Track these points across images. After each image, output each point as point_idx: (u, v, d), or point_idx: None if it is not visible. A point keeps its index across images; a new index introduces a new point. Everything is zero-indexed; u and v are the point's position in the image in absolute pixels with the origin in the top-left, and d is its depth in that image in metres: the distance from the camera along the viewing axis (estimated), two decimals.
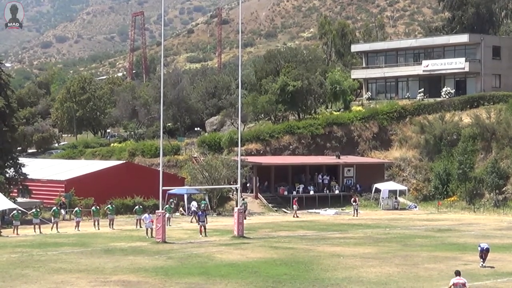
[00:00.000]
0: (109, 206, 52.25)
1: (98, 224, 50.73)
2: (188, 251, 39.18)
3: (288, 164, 69.61)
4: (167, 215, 49.75)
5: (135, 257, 37.09)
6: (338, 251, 39.22)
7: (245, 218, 53.38)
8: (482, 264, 33.66)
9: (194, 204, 57.58)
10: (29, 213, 51.67)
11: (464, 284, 24.13)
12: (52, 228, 49.03)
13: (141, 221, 49.29)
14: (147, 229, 46.00)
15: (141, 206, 52.80)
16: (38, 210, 50.94)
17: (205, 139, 76.27)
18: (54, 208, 51.17)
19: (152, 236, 44.82)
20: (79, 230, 49.57)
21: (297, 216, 59.47)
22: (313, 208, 64.87)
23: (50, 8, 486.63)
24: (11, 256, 37.40)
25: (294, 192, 66.55)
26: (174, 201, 59.48)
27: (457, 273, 24.82)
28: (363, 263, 35.02)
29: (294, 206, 60.63)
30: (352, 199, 63.04)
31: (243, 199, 56.86)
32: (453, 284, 24.27)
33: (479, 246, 34.09)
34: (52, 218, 49.87)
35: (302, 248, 40.79)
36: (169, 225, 50.73)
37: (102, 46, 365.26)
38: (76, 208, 51.85)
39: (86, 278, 30.94)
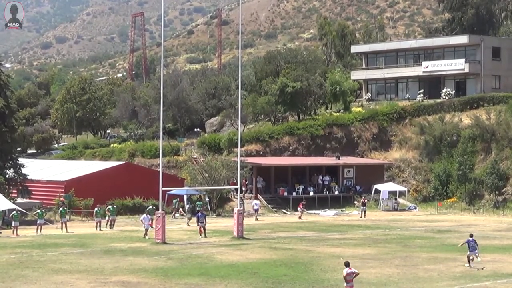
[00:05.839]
0: (110, 207, 52.24)
1: (100, 225, 50.80)
2: (188, 252, 39.17)
3: (288, 165, 69.59)
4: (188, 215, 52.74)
5: (135, 257, 37.08)
6: (337, 252, 39.22)
7: (256, 219, 57.44)
8: (470, 266, 33.68)
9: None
10: (33, 213, 51.66)
11: (354, 273, 25.80)
12: (62, 228, 49.22)
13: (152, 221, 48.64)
14: (146, 230, 45.94)
15: (153, 207, 51.72)
16: (43, 210, 50.98)
17: (205, 140, 76.26)
18: (61, 209, 51.21)
19: (147, 237, 44.85)
20: (101, 230, 49.86)
21: (299, 218, 59.30)
22: (312, 209, 64.83)
23: (50, 8, 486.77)
24: (11, 257, 37.38)
25: (294, 193, 66.57)
26: (178, 203, 59.70)
27: (347, 264, 25.96)
28: (362, 264, 34.98)
29: (299, 208, 60.43)
30: (362, 201, 63.05)
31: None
32: (347, 274, 25.65)
33: (469, 244, 33.92)
34: (60, 219, 50.16)
35: (302, 249, 40.79)
36: (188, 225, 51.72)
37: (102, 47, 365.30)
38: (96, 208, 51.91)
39: (86, 279, 30.94)
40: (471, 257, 34.02)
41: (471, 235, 34.59)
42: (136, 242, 43.77)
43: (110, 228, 50.76)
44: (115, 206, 53.07)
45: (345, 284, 25.83)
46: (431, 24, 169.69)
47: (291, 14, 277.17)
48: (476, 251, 33.99)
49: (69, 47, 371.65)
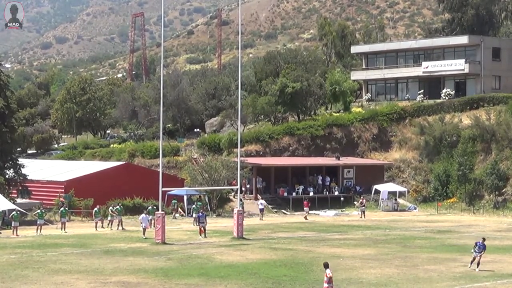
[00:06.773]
0: (118, 207, 52.25)
1: (101, 225, 50.81)
2: (188, 252, 39.17)
3: (287, 165, 69.58)
4: (194, 215, 52.19)
5: (135, 258, 37.09)
6: (338, 252, 39.23)
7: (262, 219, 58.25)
8: (471, 266, 33.62)
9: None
10: (33, 213, 51.67)
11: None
12: (62, 228, 49.24)
13: (152, 221, 48.60)
14: (143, 230, 45.97)
15: (154, 207, 51.76)
16: (43, 211, 51.01)
17: (204, 140, 76.27)
18: (62, 209, 51.25)
19: (145, 237, 44.83)
20: (103, 228, 50.28)
21: (305, 218, 59.22)
22: (312, 209, 64.79)
23: (50, 9, 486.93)
24: (11, 257, 37.38)
25: (294, 194, 66.58)
26: (177, 204, 59.68)
27: (327, 265, 25.74)
28: (362, 264, 35.01)
29: (305, 208, 60.43)
30: (360, 201, 63.08)
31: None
32: (331, 273, 25.56)
33: (477, 245, 33.91)
34: (60, 219, 50.25)
35: (302, 249, 40.79)
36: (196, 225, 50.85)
37: (102, 47, 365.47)
38: (95, 209, 52.01)
39: (86, 279, 30.94)
40: (472, 258, 33.94)
41: (484, 239, 34.30)
42: (136, 242, 43.77)
43: (122, 228, 50.69)
44: (121, 206, 53.12)
45: (326, 284, 25.22)
46: (431, 24, 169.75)
47: (291, 14, 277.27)
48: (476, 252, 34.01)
49: (69, 47, 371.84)
